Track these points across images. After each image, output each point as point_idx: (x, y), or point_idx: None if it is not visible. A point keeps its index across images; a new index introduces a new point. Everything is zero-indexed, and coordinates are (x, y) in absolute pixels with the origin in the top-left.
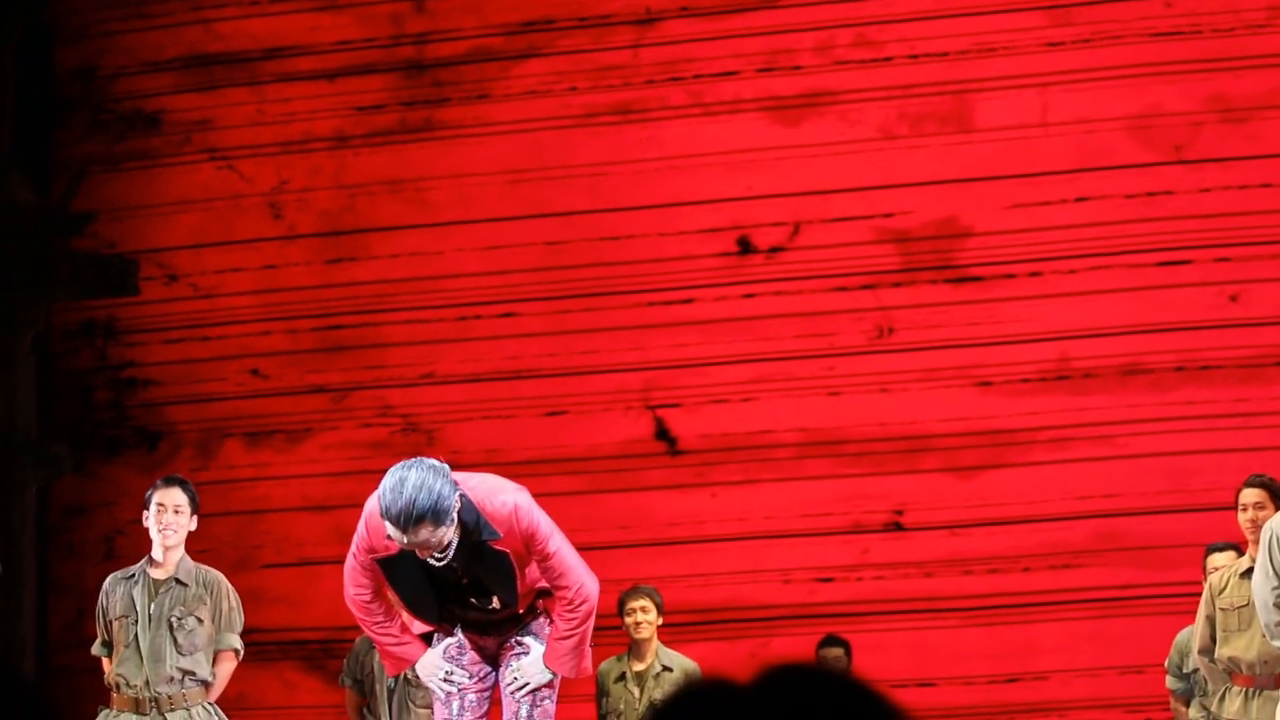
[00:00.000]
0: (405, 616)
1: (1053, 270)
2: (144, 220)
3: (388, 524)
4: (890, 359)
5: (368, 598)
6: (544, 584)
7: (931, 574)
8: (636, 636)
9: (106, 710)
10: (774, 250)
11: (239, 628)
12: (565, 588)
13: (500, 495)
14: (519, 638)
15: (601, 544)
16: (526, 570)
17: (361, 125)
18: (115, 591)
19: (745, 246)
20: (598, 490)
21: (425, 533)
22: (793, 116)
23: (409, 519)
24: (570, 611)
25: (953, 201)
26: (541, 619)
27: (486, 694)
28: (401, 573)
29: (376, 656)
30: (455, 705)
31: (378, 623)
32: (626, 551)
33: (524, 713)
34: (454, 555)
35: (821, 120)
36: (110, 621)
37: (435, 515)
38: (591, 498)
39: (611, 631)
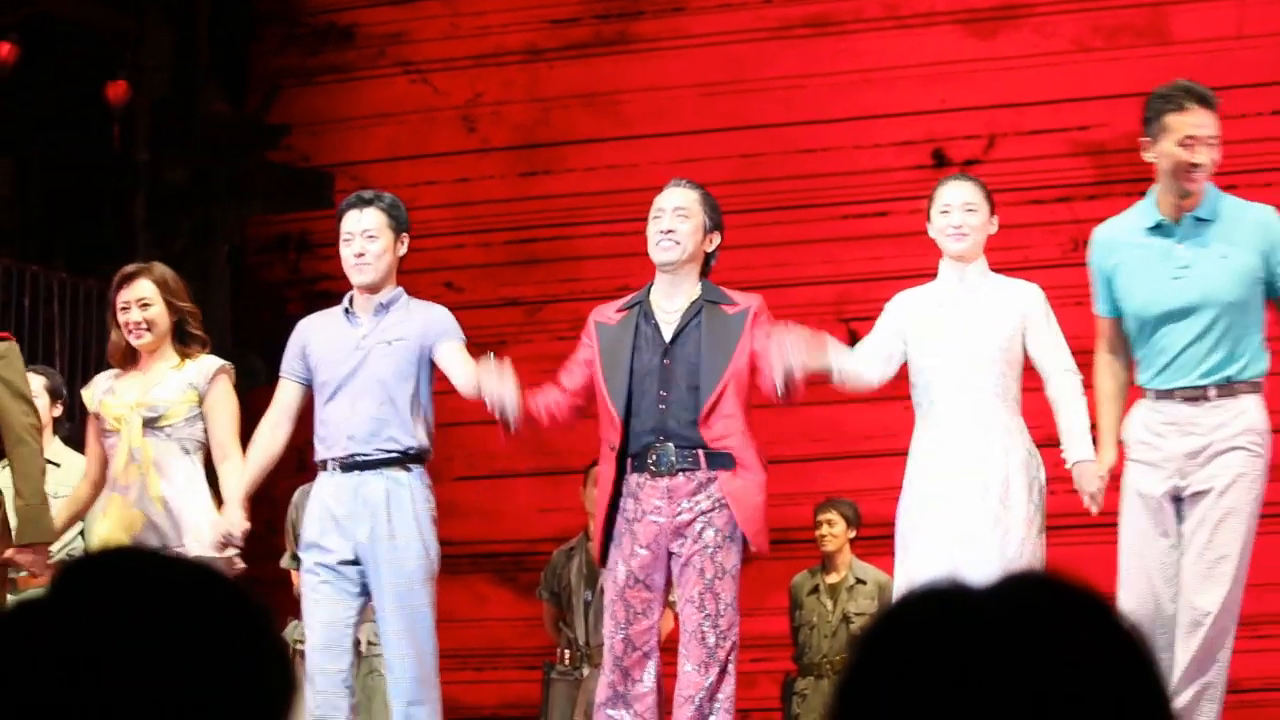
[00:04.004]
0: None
1: (1248, 184)
2: (338, 134)
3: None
4: (1085, 272)
5: (556, 393)
6: (735, 427)
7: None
8: (824, 549)
9: (296, 622)
10: (968, 163)
11: None
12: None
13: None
14: (704, 520)
15: (796, 457)
16: (735, 380)
17: (555, 38)
18: (304, 505)
19: (940, 159)
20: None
21: (683, 188)
22: (987, 29)
23: (683, 179)
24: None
25: None
26: (727, 480)
27: (654, 603)
28: (610, 343)
29: (574, 569)
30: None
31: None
32: (821, 464)
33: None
34: (680, 317)
35: (1016, 33)
36: (299, 535)
37: (694, 188)
38: (786, 411)
39: (805, 545)
